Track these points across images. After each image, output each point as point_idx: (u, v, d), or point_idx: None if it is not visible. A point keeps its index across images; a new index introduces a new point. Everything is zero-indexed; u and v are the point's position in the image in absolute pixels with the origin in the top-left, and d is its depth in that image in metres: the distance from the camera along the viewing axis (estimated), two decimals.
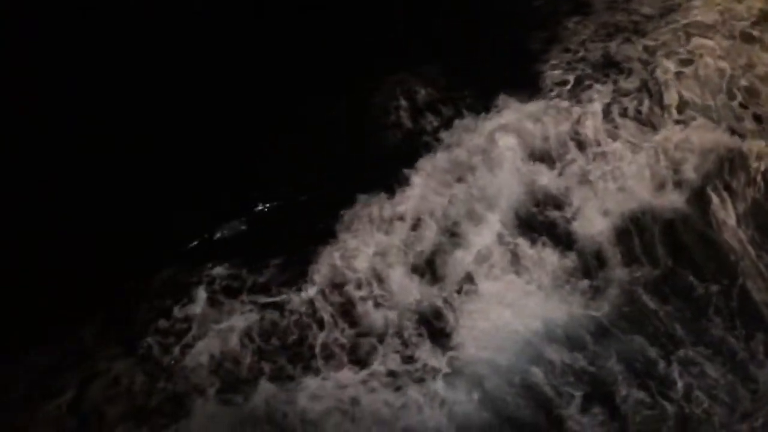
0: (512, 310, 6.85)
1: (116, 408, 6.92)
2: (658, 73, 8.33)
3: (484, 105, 8.42)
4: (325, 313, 7.08)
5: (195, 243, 7.83)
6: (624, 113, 8.06)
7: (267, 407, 6.73)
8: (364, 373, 6.73)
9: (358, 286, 7.17)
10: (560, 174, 7.67)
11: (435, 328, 6.94)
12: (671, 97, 8.09)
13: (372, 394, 6.61)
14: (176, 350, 7.10)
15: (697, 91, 8.11)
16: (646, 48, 8.64)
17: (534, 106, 8.20)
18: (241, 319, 7.16)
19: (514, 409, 6.53)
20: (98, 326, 7.38)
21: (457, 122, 8.28)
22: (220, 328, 7.13)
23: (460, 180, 7.68)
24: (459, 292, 7.06)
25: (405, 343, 6.87)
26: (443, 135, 8.23)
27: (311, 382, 6.76)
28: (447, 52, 9.02)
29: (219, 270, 7.50)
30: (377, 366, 6.75)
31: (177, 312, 7.27)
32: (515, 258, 7.15)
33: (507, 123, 8.02)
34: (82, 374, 7.08)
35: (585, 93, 8.26)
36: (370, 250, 7.31)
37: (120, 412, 6.90)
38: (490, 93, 8.46)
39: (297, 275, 7.37)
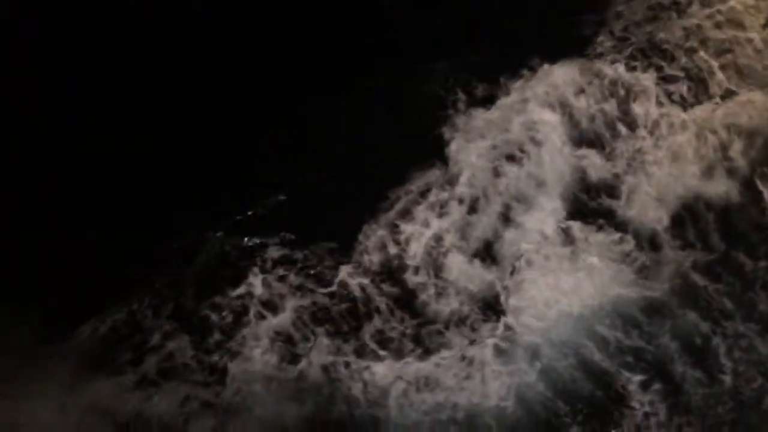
0: (566, 289, 7.02)
1: (170, 383, 7.16)
2: (701, 56, 8.31)
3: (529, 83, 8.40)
4: (380, 298, 7.33)
5: (249, 223, 7.97)
6: (670, 95, 8.10)
7: (319, 388, 6.99)
8: (422, 353, 7.02)
9: (414, 270, 7.41)
10: (609, 156, 7.78)
11: (491, 307, 7.15)
12: (716, 80, 8.11)
13: (433, 369, 6.92)
14: (229, 328, 7.33)
15: (742, 71, 8.14)
16: (687, 30, 8.56)
17: (578, 83, 8.20)
18: (294, 301, 7.36)
19: (571, 383, 6.74)
20: (152, 303, 7.60)
21: (501, 102, 8.30)
22: (273, 309, 7.35)
23: (510, 159, 7.81)
24: (514, 272, 7.24)
25: (461, 321, 7.11)
26: (490, 115, 8.23)
27: (367, 363, 7.04)
28: (491, 37, 8.88)
29: (272, 251, 7.68)
30: (435, 346, 7.03)
31: (231, 291, 7.49)
32: (568, 239, 7.31)
33: (552, 100, 8.09)
34: (136, 349, 7.35)
35: (632, 73, 8.25)
36: (424, 233, 7.51)
37: (173, 387, 7.13)
38: (535, 71, 8.47)
39: (351, 259, 7.58)
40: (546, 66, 8.31)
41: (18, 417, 7.05)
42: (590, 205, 7.56)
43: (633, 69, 8.27)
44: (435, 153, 8.05)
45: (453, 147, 8.02)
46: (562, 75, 8.21)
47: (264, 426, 6.89)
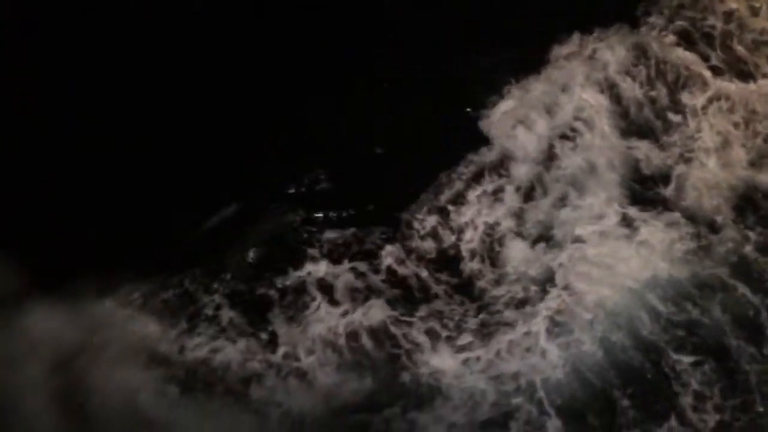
0: (621, 265, 7.25)
1: (221, 356, 7.36)
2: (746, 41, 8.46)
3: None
4: (436, 283, 7.49)
5: (304, 205, 8.14)
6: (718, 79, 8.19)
7: (377, 361, 7.22)
8: (481, 329, 7.23)
9: (470, 255, 7.59)
10: (659, 142, 7.93)
11: (548, 285, 7.36)
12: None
13: (493, 343, 7.15)
14: (287, 308, 7.52)
15: None
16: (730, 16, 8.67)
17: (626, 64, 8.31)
18: (350, 284, 7.54)
19: (624, 356, 6.95)
20: (205, 276, 7.81)
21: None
22: (330, 291, 7.53)
23: (563, 142, 7.96)
24: (569, 251, 7.43)
25: (519, 301, 7.30)
26: (536, 98, 8.37)
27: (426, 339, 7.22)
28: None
29: (328, 234, 7.86)
30: (494, 323, 7.25)
31: (287, 271, 7.66)
32: (623, 220, 7.49)
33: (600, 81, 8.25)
34: (188, 320, 7.58)
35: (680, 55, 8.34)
36: (479, 218, 7.69)
37: (224, 362, 7.33)
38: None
39: (406, 244, 7.72)
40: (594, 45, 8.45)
41: None
42: (643, 189, 7.73)
43: (683, 51, 8.35)
44: (484, 136, 8.22)
45: (502, 129, 8.18)
46: (609, 53, 8.34)
47: (322, 394, 7.11)
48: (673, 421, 6.72)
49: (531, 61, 8.62)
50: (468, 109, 8.48)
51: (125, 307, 7.68)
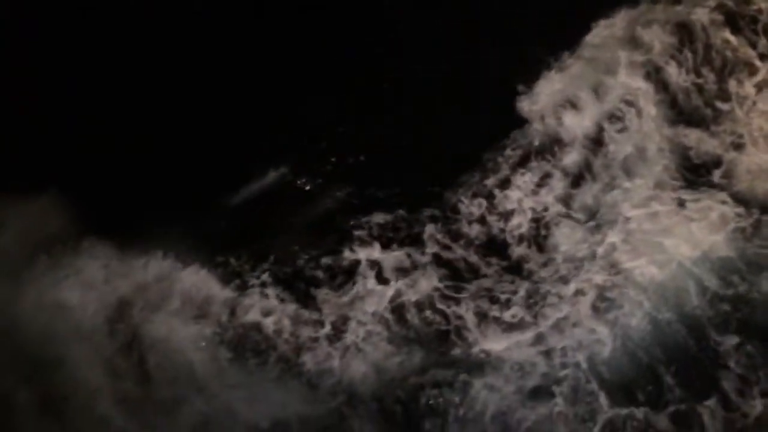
0: (671, 243, 7.33)
1: (271, 325, 7.60)
2: None
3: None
4: (486, 264, 7.61)
5: (354, 185, 8.31)
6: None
7: (428, 337, 7.40)
8: (530, 305, 7.38)
9: (518, 240, 7.69)
10: (710, 129, 7.94)
11: (595, 263, 7.46)
12: None
13: (543, 320, 7.31)
14: (334, 285, 7.72)
15: None
16: None
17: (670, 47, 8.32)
18: (396, 263, 7.68)
19: (671, 334, 7.06)
20: (252, 256, 8.03)
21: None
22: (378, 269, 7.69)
23: (610, 122, 8.03)
24: (619, 233, 7.50)
25: (567, 280, 7.42)
26: (581, 80, 8.43)
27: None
28: None
29: (376, 217, 8.00)
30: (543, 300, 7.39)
31: (336, 253, 7.84)
32: (674, 201, 7.56)
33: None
34: (237, 290, 7.80)
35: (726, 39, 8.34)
36: (526, 201, 7.80)
37: (275, 330, 7.57)
38: None
39: (452, 227, 7.85)
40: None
41: None
42: (693, 174, 7.78)
43: (729, 34, 8.31)
44: (528, 118, 8.29)
45: (548, 112, 8.26)
46: (652, 35, 8.35)
47: (372, 366, 7.30)
48: (716, 404, 6.79)
49: (571, 41, 8.63)
50: (512, 90, 8.52)
51: (178, 265, 7.94)
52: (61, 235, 8.14)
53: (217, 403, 7.44)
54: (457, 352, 7.29)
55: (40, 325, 7.92)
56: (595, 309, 7.22)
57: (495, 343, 7.24)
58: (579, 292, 7.29)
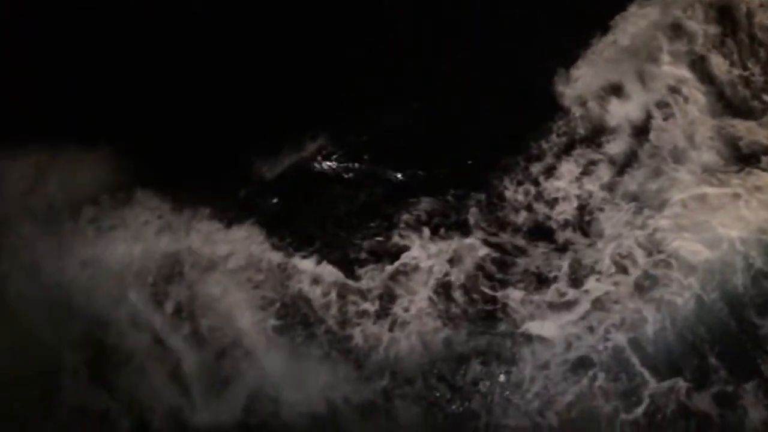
0: (718, 228, 7.38)
1: (317, 300, 7.75)
2: None
3: None
4: (531, 246, 7.73)
5: (401, 174, 8.42)
6: None
7: (473, 322, 7.52)
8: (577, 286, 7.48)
9: (563, 224, 7.80)
10: (759, 121, 7.97)
11: (644, 247, 7.52)
12: None
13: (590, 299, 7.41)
14: (383, 267, 7.79)
15: None
16: None
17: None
18: (443, 245, 7.79)
19: (716, 315, 7.15)
20: (300, 229, 8.18)
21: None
22: (429, 259, 7.76)
23: (656, 110, 8.09)
24: (665, 217, 7.57)
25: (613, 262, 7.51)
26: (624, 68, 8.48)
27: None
28: None
29: (424, 204, 8.10)
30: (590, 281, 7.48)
31: (384, 240, 7.95)
32: (721, 185, 7.59)
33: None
34: (284, 271, 7.93)
35: None
36: (572, 188, 7.90)
37: (321, 304, 7.72)
38: None
39: (498, 217, 7.95)
40: None
41: None
42: (742, 162, 7.79)
43: None
44: (572, 104, 8.37)
45: (592, 99, 8.34)
46: (694, 24, 8.41)
47: (418, 342, 7.45)
48: (757, 387, 6.89)
49: (607, 24, 8.69)
50: (550, 76, 8.60)
51: (227, 226, 8.12)
52: (111, 188, 8.34)
53: (265, 381, 7.60)
54: (502, 329, 7.43)
55: (86, 279, 8.08)
56: (639, 288, 7.31)
57: (539, 321, 7.36)
58: (624, 271, 7.39)
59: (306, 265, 7.87)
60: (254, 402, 7.57)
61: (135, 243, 8.16)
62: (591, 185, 7.87)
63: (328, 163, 8.59)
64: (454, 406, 7.37)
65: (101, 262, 8.13)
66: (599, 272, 7.44)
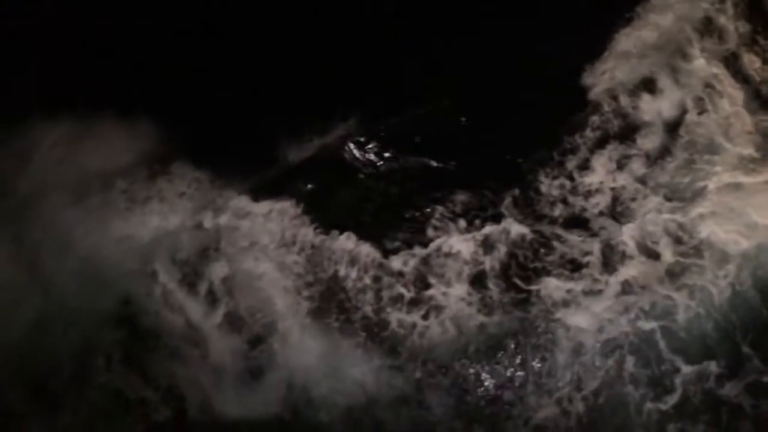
0: (753, 216, 7.42)
1: (352, 284, 7.86)
2: None
3: None
4: (566, 235, 7.79)
5: (435, 166, 8.48)
6: None
7: (509, 309, 7.60)
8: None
9: (598, 215, 7.85)
10: None
11: (674, 235, 7.60)
12: None
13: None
14: (418, 261, 7.85)
15: None
16: None
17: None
18: (479, 238, 7.83)
19: (750, 304, 7.21)
20: (335, 213, 8.28)
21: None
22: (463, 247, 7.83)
23: (690, 105, 8.12)
24: (701, 207, 7.59)
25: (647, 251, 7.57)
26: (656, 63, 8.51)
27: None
28: None
29: (459, 196, 8.17)
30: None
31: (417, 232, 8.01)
32: (759, 176, 7.62)
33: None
34: (319, 254, 7.99)
35: None
36: (606, 181, 7.94)
37: (356, 288, 7.84)
38: None
39: (532, 208, 8.00)
40: None
41: None
42: None
43: None
44: (604, 99, 8.41)
45: (624, 94, 8.38)
46: (724, 18, 8.44)
47: (454, 329, 7.53)
48: None
49: (633, 16, 8.75)
50: (579, 70, 8.66)
51: (262, 204, 8.20)
52: (147, 161, 8.47)
53: (299, 369, 7.67)
54: (534, 316, 7.50)
55: (118, 253, 8.14)
56: (673, 274, 7.37)
57: (573, 308, 7.44)
58: (657, 258, 7.45)
59: (341, 246, 7.92)
60: (287, 391, 7.65)
61: (169, 216, 8.25)
62: (625, 177, 7.93)
63: (361, 150, 8.66)
64: (485, 393, 7.47)
65: (134, 235, 8.20)
66: (632, 259, 7.50)
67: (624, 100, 8.33)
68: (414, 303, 7.66)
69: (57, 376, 7.88)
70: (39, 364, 7.89)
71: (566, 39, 8.80)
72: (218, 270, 7.99)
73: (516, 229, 7.80)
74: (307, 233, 8.03)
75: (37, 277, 8.12)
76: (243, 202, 8.28)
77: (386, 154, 8.62)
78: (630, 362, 7.24)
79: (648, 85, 8.38)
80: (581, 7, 8.95)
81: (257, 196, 8.31)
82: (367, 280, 7.78)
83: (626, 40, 8.71)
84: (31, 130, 8.72)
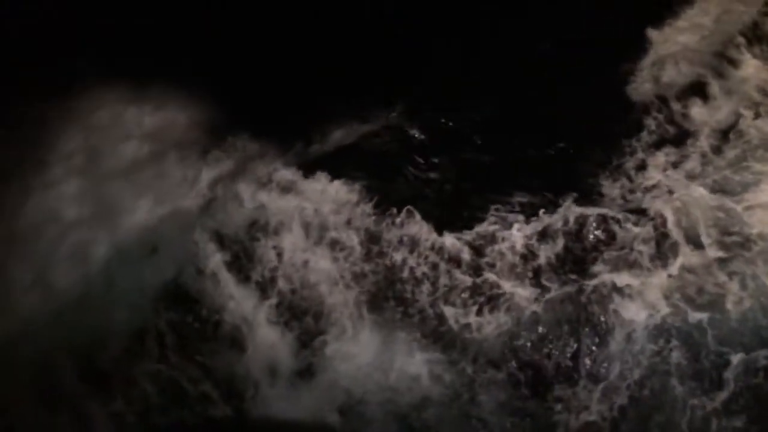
0: None
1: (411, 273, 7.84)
2: None
3: None
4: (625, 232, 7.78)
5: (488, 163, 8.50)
6: None
7: (566, 302, 7.63)
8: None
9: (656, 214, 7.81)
10: None
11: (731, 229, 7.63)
12: None
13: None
14: (475, 245, 7.89)
15: None
16: None
17: None
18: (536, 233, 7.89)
19: None
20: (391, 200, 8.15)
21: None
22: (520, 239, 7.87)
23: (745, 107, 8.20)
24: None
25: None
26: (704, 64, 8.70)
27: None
28: None
29: (518, 197, 8.19)
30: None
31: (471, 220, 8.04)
32: None
33: None
34: (374, 240, 7.96)
35: None
36: (664, 182, 8.01)
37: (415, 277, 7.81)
38: None
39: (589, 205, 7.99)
40: None
41: None
42: None
43: None
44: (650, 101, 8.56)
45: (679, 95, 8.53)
46: None
47: (507, 324, 7.56)
48: None
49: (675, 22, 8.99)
50: (626, 72, 8.85)
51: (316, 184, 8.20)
52: (201, 132, 8.54)
53: (353, 366, 7.68)
54: (588, 307, 7.53)
55: (166, 228, 8.19)
56: (722, 261, 7.42)
57: (626, 299, 7.49)
58: (708, 248, 7.50)
59: (398, 232, 7.92)
60: (339, 390, 7.64)
61: (219, 190, 8.24)
62: (679, 174, 8.00)
63: (417, 138, 8.69)
64: (536, 387, 7.49)
65: (183, 208, 8.22)
66: (683, 251, 7.54)
67: (674, 105, 8.48)
68: (470, 295, 7.72)
69: (107, 356, 7.85)
70: (88, 342, 7.85)
71: (607, 41, 9.03)
72: (268, 254, 7.98)
73: (572, 221, 7.83)
74: (362, 216, 8.00)
75: (83, 247, 8.14)
76: (296, 177, 8.25)
77: (442, 145, 8.63)
78: (678, 354, 7.28)
79: (697, 90, 8.53)
80: (619, 8, 9.20)
81: (309, 174, 8.26)
82: (425, 269, 7.77)
83: (668, 43, 8.93)
84: (89, 96, 8.88)
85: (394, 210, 8.01)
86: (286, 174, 8.29)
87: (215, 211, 8.20)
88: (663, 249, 7.62)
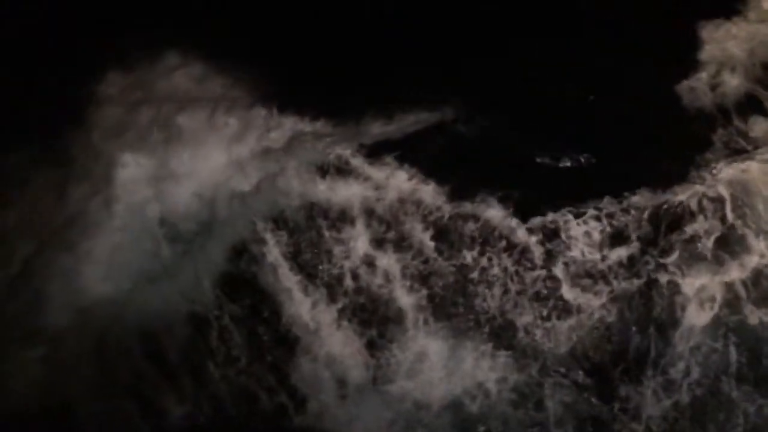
0: None
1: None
2: None
3: None
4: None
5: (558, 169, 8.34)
6: None
7: (631, 301, 7.56)
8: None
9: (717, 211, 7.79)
10: None
11: None
12: None
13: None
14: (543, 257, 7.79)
15: None
16: None
17: None
18: (601, 238, 7.82)
19: None
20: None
21: None
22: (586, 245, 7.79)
23: None
24: None
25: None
26: None
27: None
28: None
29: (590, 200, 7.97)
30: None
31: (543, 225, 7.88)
32: None
33: None
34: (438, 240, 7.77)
35: None
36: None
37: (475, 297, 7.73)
38: None
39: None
40: None
41: None
42: None
43: None
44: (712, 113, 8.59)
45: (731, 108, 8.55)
46: None
47: (573, 330, 7.58)
48: None
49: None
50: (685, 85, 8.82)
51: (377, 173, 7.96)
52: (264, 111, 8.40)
53: (420, 380, 7.62)
54: (655, 308, 7.56)
55: (229, 208, 7.96)
56: None
57: (692, 300, 7.50)
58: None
59: (470, 228, 7.78)
60: (407, 400, 7.63)
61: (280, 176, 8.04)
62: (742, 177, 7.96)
63: (483, 133, 8.50)
64: (601, 390, 7.56)
65: (236, 191, 8.03)
66: (748, 250, 7.57)
67: (735, 117, 8.52)
68: (536, 300, 7.71)
69: (173, 340, 7.77)
70: (152, 325, 7.76)
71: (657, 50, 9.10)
72: (328, 244, 7.87)
73: (640, 223, 7.80)
74: (432, 209, 7.82)
75: (142, 227, 8.06)
76: (357, 162, 7.99)
77: (511, 143, 8.44)
78: (737, 356, 7.34)
79: (754, 102, 8.60)
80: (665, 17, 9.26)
81: (370, 160, 8.01)
82: (496, 270, 7.71)
83: (719, 52, 8.99)
84: (161, 70, 8.86)
85: (468, 205, 7.84)
86: (350, 158, 7.99)
87: (272, 194, 7.99)
88: (730, 249, 7.61)
